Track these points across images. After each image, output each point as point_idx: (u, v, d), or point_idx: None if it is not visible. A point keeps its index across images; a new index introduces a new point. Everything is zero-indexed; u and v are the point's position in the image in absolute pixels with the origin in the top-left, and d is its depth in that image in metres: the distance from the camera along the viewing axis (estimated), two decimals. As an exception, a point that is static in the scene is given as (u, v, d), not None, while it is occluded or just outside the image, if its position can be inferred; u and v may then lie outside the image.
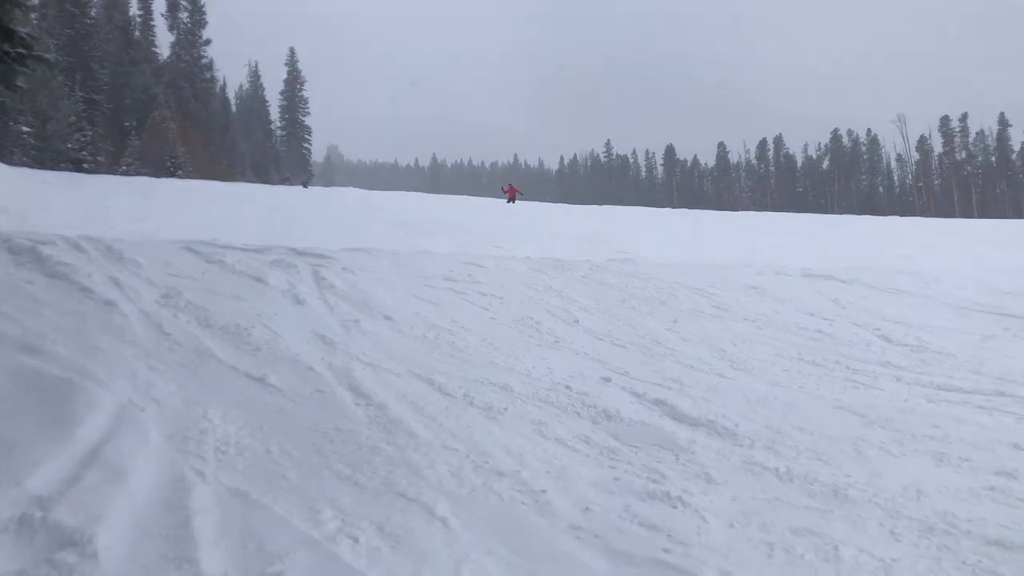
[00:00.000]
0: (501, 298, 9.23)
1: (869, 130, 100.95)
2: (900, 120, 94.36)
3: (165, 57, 69.04)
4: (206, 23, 71.18)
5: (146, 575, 3.05)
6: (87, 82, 52.82)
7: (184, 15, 70.49)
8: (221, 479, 4.06)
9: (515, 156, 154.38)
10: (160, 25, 68.18)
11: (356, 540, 3.42)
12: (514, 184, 38.47)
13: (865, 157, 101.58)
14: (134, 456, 4.20)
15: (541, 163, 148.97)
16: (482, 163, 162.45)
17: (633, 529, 3.66)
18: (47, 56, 4.55)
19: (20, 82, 4.47)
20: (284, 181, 53.58)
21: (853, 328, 9.32)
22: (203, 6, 70.47)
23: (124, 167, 49.93)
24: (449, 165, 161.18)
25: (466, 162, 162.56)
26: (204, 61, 71.94)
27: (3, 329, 6.10)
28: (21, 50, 4.25)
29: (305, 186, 45.87)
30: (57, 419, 4.51)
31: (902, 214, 48.65)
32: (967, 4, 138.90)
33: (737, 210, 52.22)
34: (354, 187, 47.35)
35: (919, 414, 5.88)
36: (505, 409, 5.50)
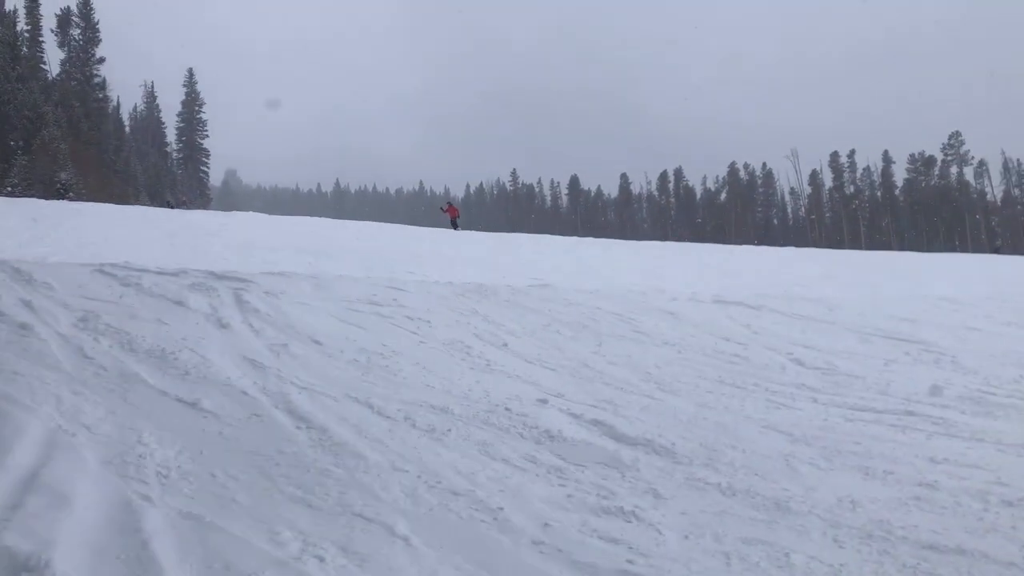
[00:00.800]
0: (428, 322, 9.23)
1: (764, 164, 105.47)
2: (793, 155, 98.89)
3: (55, 75, 66.38)
4: (99, 40, 68.83)
5: (111, 600, 2.94)
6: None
7: (76, 32, 68.00)
8: (169, 503, 3.96)
9: (421, 183, 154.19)
10: (50, 41, 65.61)
11: (322, 560, 3.40)
12: (453, 203, 36.36)
13: (761, 190, 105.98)
14: (74, 481, 4.06)
15: (447, 190, 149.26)
16: (387, 189, 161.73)
17: (594, 543, 3.76)
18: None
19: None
20: (167, 204, 51.69)
21: (767, 352, 9.71)
22: (96, 23, 68.15)
23: (8, 188, 47.54)
24: (353, 191, 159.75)
25: (371, 188, 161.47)
26: (97, 80, 69.45)
27: (-90, 353, 5.77)
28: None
29: (171, 206, 39.86)
30: (-16, 446, 4.30)
31: (797, 245, 50.80)
32: (854, 46, 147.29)
33: (639, 240, 53.55)
34: (254, 211, 46.39)
35: (840, 432, 6.20)
36: (449, 431, 5.53)
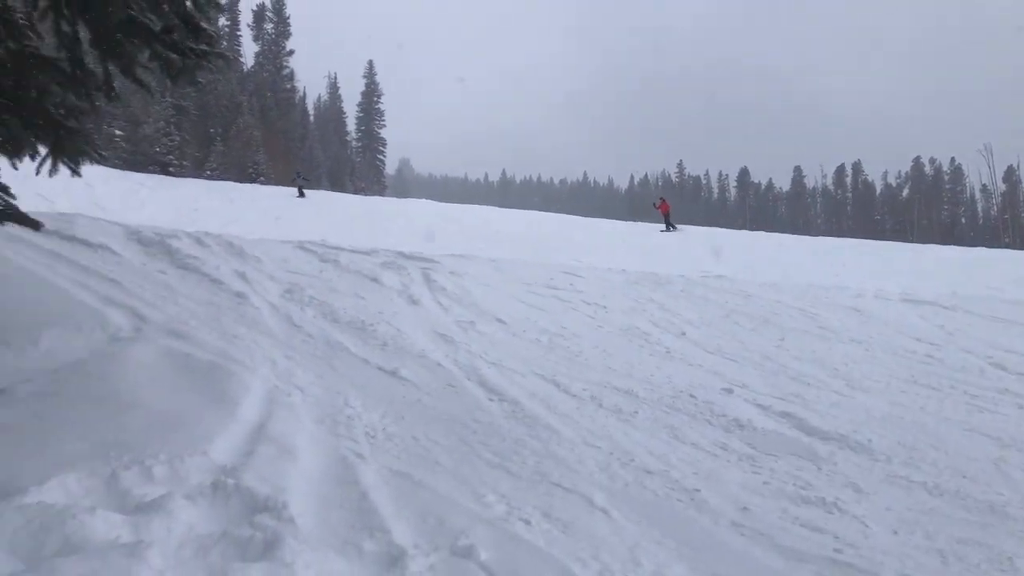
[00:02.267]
0: (605, 307, 9.31)
1: (953, 159, 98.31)
2: (987, 150, 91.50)
3: (249, 66, 71.11)
4: (290, 34, 73.15)
5: (342, 541, 3.19)
6: (176, 88, 54.74)
7: (269, 26, 72.56)
8: (379, 460, 4.22)
9: (584, 174, 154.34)
10: (246, 35, 70.33)
11: (528, 523, 3.53)
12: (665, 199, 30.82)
13: (948, 186, 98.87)
14: (294, 435, 4.40)
15: (611, 181, 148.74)
16: (551, 179, 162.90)
17: (796, 530, 3.70)
18: (227, 53, 4.78)
19: (200, 78, 4.69)
20: (360, 191, 54.11)
21: (963, 354, 9.11)
22: (288, 18, 72.42)
23: (208, 172, 51.57)
24: (518, 181, 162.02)
25: (535, 178, 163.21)
26: (286, 72, 73.89)
27: (149, 315, 6.41)
28: (205, 47, 4.49)
29: (300, 193, 32.87)
30: (218, 399, 4.74)
31: (987, 246, 47.11)
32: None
33: (812, 236, 51.35)
34: (426, 199, 48.05)
35: (1055, 440, 5.75)
36: (635, 412, 5.58)
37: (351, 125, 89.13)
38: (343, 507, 3.55)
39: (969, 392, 7.36)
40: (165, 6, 4.19)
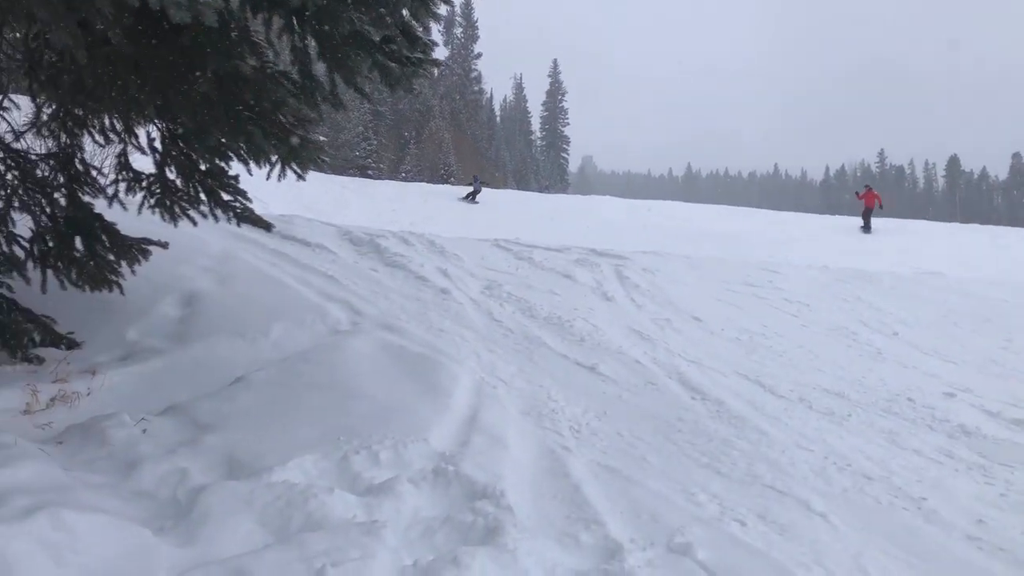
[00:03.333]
0: (808, 305, 8.93)
1: None
2: None
3: (440, 71, 73.92)
4: (478, 37, 75.39)
5: (559, 532, 3.26)
6: (373, 94, 57.76)
7: (458, 31, 75.03)
8: (586, 454, 4.28)
9: (775, 166, 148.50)
10: (436, 39, 73.11)
11: (743, 524, 3.46)
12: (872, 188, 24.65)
13: None
14: (504, 426, 4.54)
15: (804, 173, 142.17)
16: (739, 172, 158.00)
17: (1043, 548, 3.40)
18: (440, 59, 5.00)
19: (416, 85, 4.94)
20: (544, 189, 55.04)
21: None
22: (476, 22, 74.60)
23: (403, 173, 54.11)
24: (704, 175, 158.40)
25: (722, 172, 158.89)
26: (474, 75, 76.16)
27: (363, 309, 6.82)
28: (420, 55, 4.72)
29: (472, 198, 28.34)
30: (430, 389, 4.96)
31: None
32: None
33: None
34: (610, 196, 47.94)
35: None
36: (848, 416, 5.33)
37: (535, 124, 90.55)
38: (556, 498, 3.63)
39: None
40: (387, 18, 4.44)
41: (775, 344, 7.25)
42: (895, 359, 7.18)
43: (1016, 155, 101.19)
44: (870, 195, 23.78)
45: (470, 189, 29.18)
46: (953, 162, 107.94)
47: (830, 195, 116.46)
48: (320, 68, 4.86)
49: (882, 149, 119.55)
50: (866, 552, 3.28)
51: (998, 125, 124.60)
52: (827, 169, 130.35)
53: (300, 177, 5.47)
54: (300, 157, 4.97)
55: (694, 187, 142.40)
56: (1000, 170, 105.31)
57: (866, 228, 23.28)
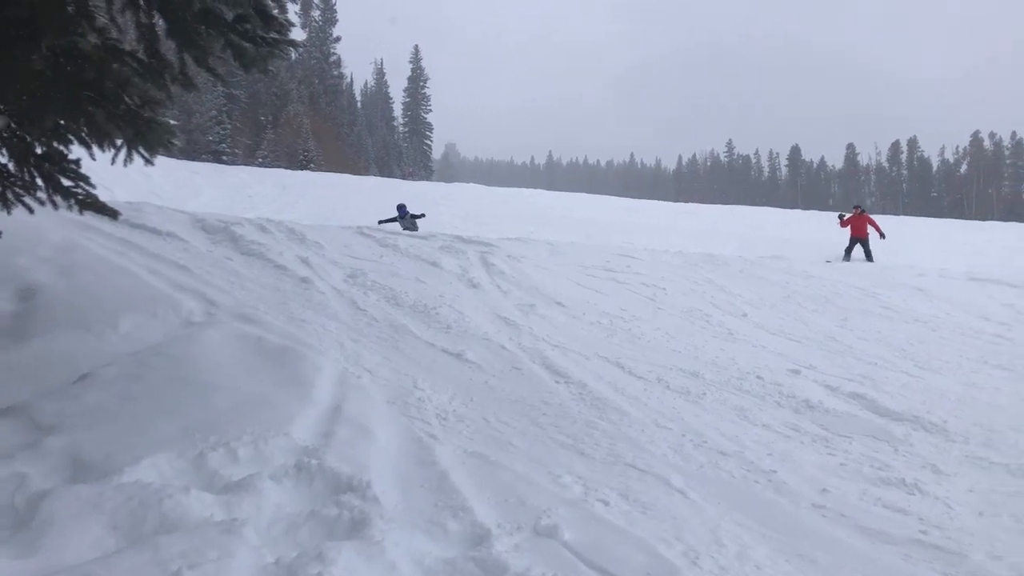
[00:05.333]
0: (664, 289, 9.25)
1: (1014, 133, 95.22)
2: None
3: (297, 54, 71.81)
4: (336, 21, 73.66)
5: (427, 521, 3.24)
6: (227, 77, 55.51)
7: (316, 13, 73.05)
8: (453, 441, 4.27)
9: (631, 155, 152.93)
10: (294, 20, 70.86)
11: (607, 503, 3.55)
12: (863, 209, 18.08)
13: (1008, 162, 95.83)
14: (369, 416, 4.46)
15: (659, 163, 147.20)
16: (597, 161, 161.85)
17: (878, 511, 3.67)
18: (297, 40, 4.83)
19: (271, 65, 4.75)
20: (408, 176, 54.61)
21: (1036, 334, 8.88)
22: (334, 4, 72.84)
23: (260, 159, 52.31)
24: (564, 163, 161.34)
25: (582, 160, 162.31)
26: (333, 58, 74.39)
27: (219, 299, 6.55)
28: (276, 35, 4.54)
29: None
30: (291, 381, 4.82)
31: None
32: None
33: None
34: (473, 183, 48.11)
35: None
36: (703, 394, 5.56)
37: (397, 111, 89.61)
38: (424, 487, 3.60)
39: (1045, 373, 7.17)
40: (239, -5, 4.25)
41: (634, 327, 7.47)
42: (745, 339, 7.55)
43: (850, 146, 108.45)
44: (859, 220, 17.60)
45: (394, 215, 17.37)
46: (795, 152, 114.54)
47: (683, 183, 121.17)
48: (170, 47, 4.61)
49: (730, 139, 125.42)
50: (722, 525, 3.43)
51: (835, 117, 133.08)
52: (680, 159, 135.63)
53: (148, 162, 5.16)
54: (147, 140, 4.69)
55: (555, 175, 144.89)
56: (836, 160, 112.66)
57: (848, 253, 17.35)
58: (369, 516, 3.17)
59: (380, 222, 13.62)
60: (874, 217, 18.66)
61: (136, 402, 4.27)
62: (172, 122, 5.30)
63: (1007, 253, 18.34)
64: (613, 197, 38.32)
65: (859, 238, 17.45)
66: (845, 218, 17.88)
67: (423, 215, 15.54)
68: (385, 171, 70.31)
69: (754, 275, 10.73)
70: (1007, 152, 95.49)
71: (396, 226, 12.62)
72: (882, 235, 17.21)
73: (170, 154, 40.06)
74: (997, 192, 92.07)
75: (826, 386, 6.03)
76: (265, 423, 4.08)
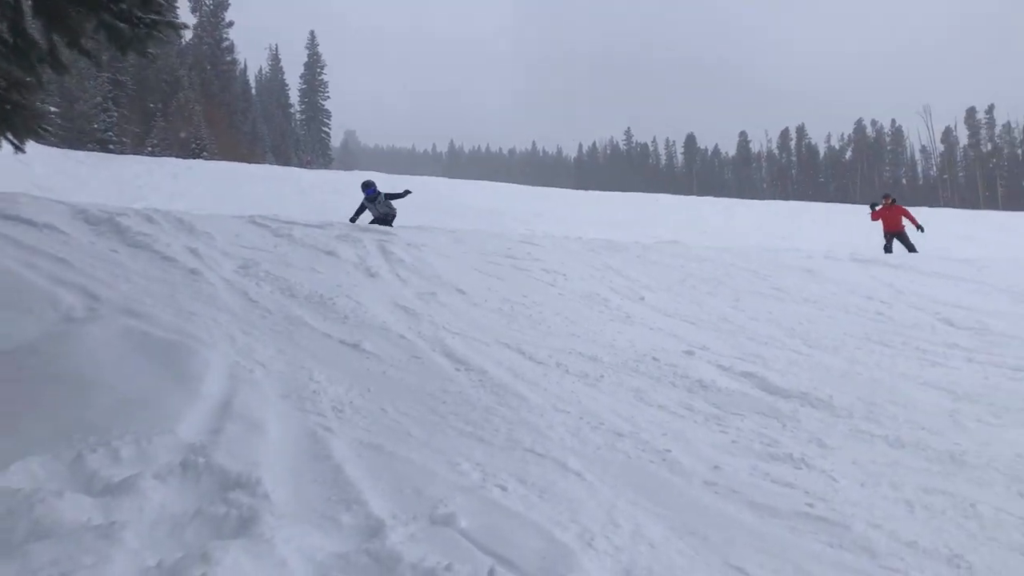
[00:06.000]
0: (564, 275, 9.34)
1: (893, 121, 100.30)
2: (926, 111, 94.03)
3: (188, 39, 69.27)
4: (228, 4, 71.37)
5: (320, 515, 3.16)
6: (113, 63, 52.99)
7: (207, -3, 70.62)
8: (349, 433, 4.18)
9: (533, 143, 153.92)
10: (183, 6, 68.36)
11: (504, 489, 3.54)
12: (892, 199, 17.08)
13: (889, 148, 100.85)
14: (261, 411, 4.34)
15: (559, 150, 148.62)
16: (500, 149, 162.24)
17: (767, 486, 3.77)
18: (179, 22, 4.62)
19: (151, 48, 4.54)
20: (306, 164, 53.43)
21: (913, 311, 9.35)
22: (226, -13, 70.54)
23: (150, 148, 50.29)
24: (467, 151, 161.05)
25: (484, 148, 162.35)
26: (226, 44, 72.10)
27: (102, 293, 6.25)
28: (155, 16, 4.34)
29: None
30: (180, 377, 4.65)
31: (928, 205, 48.21)
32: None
33: (759, 200, 52.07)
34: (374, 171, 47.45)
35: (1004, 391, 5.94)
36: (601, 377, 5.62)
37: (294, 98, 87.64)
38: (317, 481, 3.52)
39: (920, 348, 7.55)
40: (111, -28, 4.03)
41: (534, 313, 7.51)
42: (642, 322, 7.69)
43: (743, 133, 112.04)
44: (891, 213, 16.41)
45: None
46: (690, 140, 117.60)
47: (583, 171, 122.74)
48: (39, 27, 4.34)
49: (628, 128, 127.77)
50: (618, 505, 3.47)
51: (729, 106, 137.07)
52: (580, 147, 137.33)
53: (18, 148, 4.89)
54: (14, 125, 4.43)
55: (457, 162, 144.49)
56: (730, 147, 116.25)
57: (887, 248, 16.32)
58: (259, 513, 3.07)
59: (352, 219, 12.61)
60: (767, 202, 19.24)
61: (9, 403, 4.02)
62: (50, 108, 5.00)
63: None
64: (515, 185, 38.50)
65: (894, 232, 16.09)
66: (877, 209, 16.63)
67: (408, 192, 13.39)
68: (282, 159, 68.69)
69: (650, 259, 10.94)
70: (888, 139, 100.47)
71: (292, 215, 12.23)
72: (919, 227, 15.93)
73: (51, 142, 38.13)
74: (879, 177, 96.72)
75: (719, 366, 6.19)
76: (150, 421, 3.91)
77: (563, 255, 10.53)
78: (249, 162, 46.53)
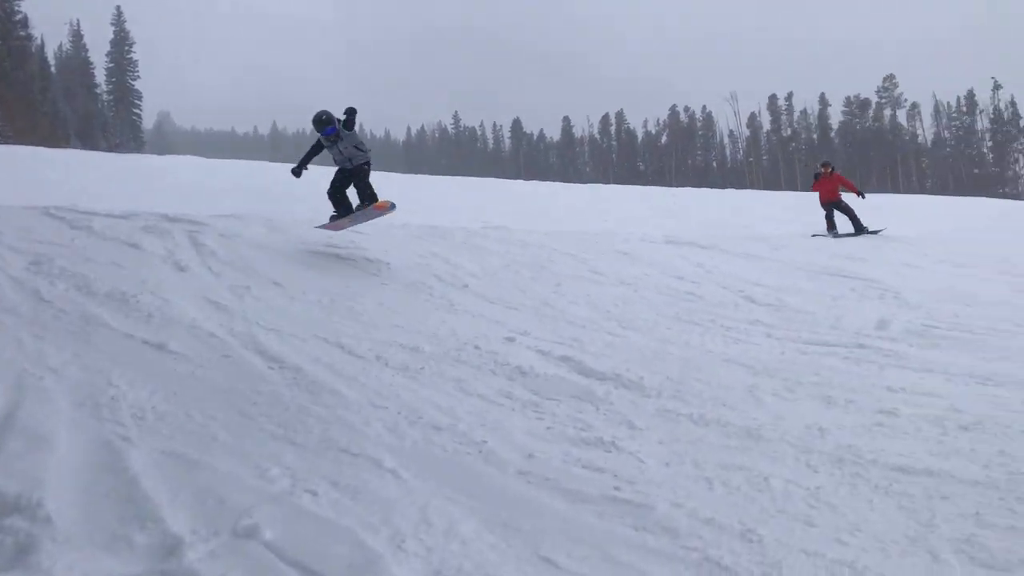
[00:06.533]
0: (388, 264, 9.22)
1: (704, 106, 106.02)
2: (732, 98, 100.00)
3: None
4: (20, -26, 65.34)
5: (110, 536, 2.95)
6: None
7: (-7, -36, 64.39)
8: (150, 443, 3.94)
9: (361, 126, 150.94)
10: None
11: (315, 494, 3.44)
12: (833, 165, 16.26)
13: (700, 133, 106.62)
14: (50, 423, 4.01)
15: (388, 133, 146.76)
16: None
17: (578, 472, 3.87)
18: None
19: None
20: (115, 148, 49.99)
21: (720, 290, 9.91)
22: (16, -45, 64.57)
23: (-71, 130, 45.40)
24: (291, 133, 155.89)
25: (308, 131, 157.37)
26: (18, 17, 66.06)
27: None
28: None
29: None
30: (-49, 390, 4.20)
31: (736, 187, 51.36)
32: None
33: (582, 183, 53.62)
34: (192, 155, 44.97)
35: (798, 364, 6.40)
36: (422, 368, 5.59)
37: (100, 77, 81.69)
38: (109, 498, 3.27)
39: (725, 325, 8.01)
40: None
41: (356, 304, 7.35)
42: (465, 310, 7.71)
43: (566, 118, 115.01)
44: (828, 182, 15.53)
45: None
46: (517, 124, 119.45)
47: (411, 154, 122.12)
48: None
49: (456, 111, 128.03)
50: (432, 502, 3.44)
51: (553, 90, 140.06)
52: (409, 130, 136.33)
53: None
54: None
55: (281, 145, 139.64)
56: (554, 132, 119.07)
57: (831, 230, 15.45)
58: (38, 539, 2.83)
59: (299, 167, 10.05)
60: (590, 185, 19.66)
61: None
62: None
63: (698, 217, 20.25)
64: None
65: (832, 202, 15.17)
66: (816, 179, 15.59)
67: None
68: (89, 143, 63.85)
69: (476, 245, 10.99)
70: (699, 124, 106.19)
71: (95, 205, 11.25)
72: (860, 194, 15.45)
73: None
74: (693, 160, 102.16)
75: (538, 351, 6.30)
76: (-89, 445, 3.51)
77: (387, 243, 10.38)
78: (49, 146, 42.91)
